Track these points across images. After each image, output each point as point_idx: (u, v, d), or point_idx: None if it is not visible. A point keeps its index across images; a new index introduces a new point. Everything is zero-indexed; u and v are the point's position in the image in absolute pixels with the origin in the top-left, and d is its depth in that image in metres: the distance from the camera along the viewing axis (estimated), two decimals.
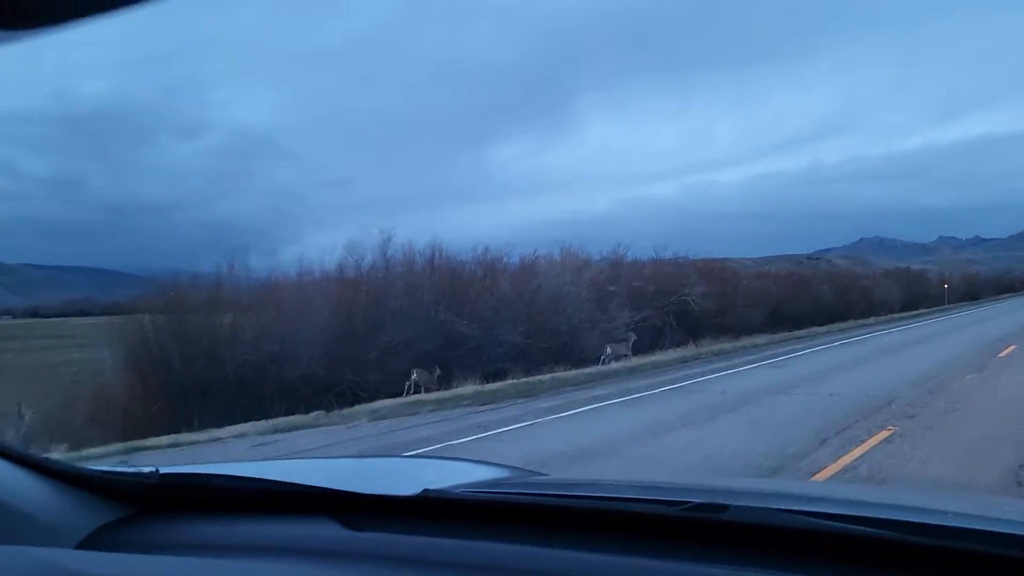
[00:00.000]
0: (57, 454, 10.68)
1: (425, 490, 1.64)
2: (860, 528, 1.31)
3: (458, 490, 1.72)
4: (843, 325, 36.85)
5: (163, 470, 1.76)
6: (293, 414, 15.82)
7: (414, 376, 19.60)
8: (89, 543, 1.60)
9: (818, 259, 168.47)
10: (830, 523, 1.35)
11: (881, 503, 1.78)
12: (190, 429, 15.33)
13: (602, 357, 23.22)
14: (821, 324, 36.86)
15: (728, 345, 24.71)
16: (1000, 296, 79.33)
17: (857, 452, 8.02)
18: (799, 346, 23.73)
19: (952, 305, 57.95)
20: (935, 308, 53.70)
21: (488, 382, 20.20)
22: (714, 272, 36.77)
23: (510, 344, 23.26)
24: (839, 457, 7.81)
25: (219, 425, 15.25)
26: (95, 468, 1.76)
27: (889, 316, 44.15)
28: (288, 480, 1.82)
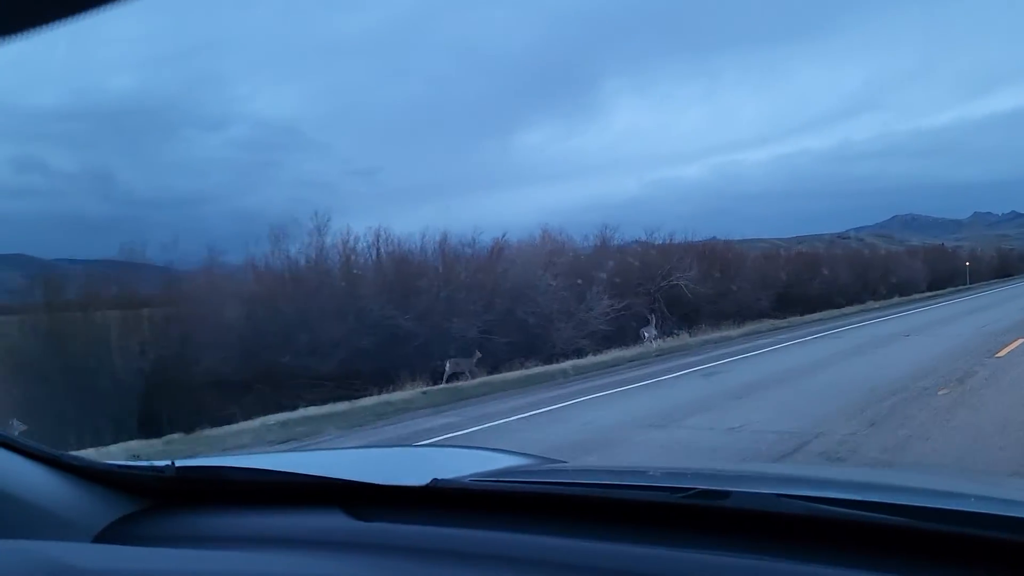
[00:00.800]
0: None
1: (434, 479, 1.60)
2: (868, 514, 1.24)
3: (468, 479, 1.68)
4: (853, 308, 34.81)
5: (179, 463, 1.72)
6: (197, 429, 14.18)
7: (448, 365, 18.26)
8: (105, 537, 1.60)
9: (849, 237, 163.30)
10: (836, 509, 1.28)
11: (893, 486, 1.78)
12: (66, 450, 13.73)
13: (643, 339, 22.38)
14: (838, 307, 35.15)
15: (694, 339, 22.49)
16: None
17: None
18: (766, 341, 20.62)
19: (978, 284, 54.73)
20: (961, 287, 50.94)
21: (435, 384, 18.48)
22: (715, 254, 34.71)
23: (465, 340, 21.31)
24: None
25: (105, 444, 13.68)
26: (110, 462, 1.79)
27: (910, 297, 41.76)
28: (301, 472, 1.79)
